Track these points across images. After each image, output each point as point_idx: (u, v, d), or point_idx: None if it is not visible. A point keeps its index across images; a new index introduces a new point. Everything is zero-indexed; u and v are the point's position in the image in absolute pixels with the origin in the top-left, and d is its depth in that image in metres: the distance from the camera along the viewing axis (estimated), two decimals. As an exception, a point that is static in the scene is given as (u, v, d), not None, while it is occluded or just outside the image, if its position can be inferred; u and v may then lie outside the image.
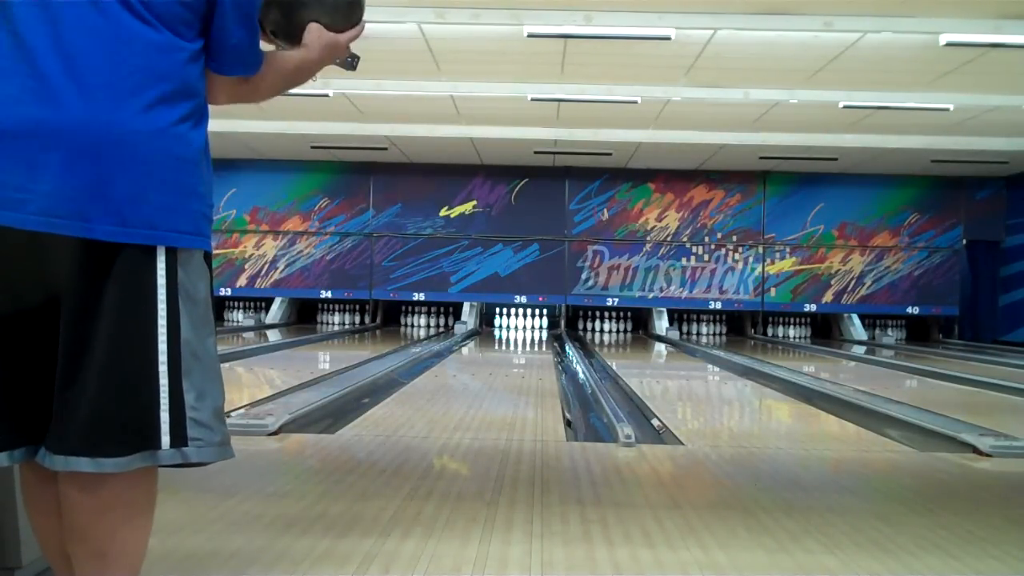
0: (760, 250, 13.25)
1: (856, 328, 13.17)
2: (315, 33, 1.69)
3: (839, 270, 13.25)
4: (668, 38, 6.79)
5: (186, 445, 1.46)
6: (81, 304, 1.42)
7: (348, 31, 1.74)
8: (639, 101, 8.84)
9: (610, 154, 11.90)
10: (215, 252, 13.70)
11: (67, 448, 1.41)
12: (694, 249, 13.25)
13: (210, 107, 1.61)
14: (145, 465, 1.44)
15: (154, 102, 1.44)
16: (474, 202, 13.22)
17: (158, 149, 1.44)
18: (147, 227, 1.43)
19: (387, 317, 13.70)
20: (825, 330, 13.83)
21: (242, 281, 13.24)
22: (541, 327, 13.70)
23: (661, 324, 13.09)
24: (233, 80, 1.61)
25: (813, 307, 13.30)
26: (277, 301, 13.30)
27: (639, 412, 5.25)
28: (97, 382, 1.40)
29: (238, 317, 13.59)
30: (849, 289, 13.24)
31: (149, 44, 1.44)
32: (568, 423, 4.70)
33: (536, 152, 11.87)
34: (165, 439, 1.44)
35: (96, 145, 1.39)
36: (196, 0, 1.50)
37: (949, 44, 6.72)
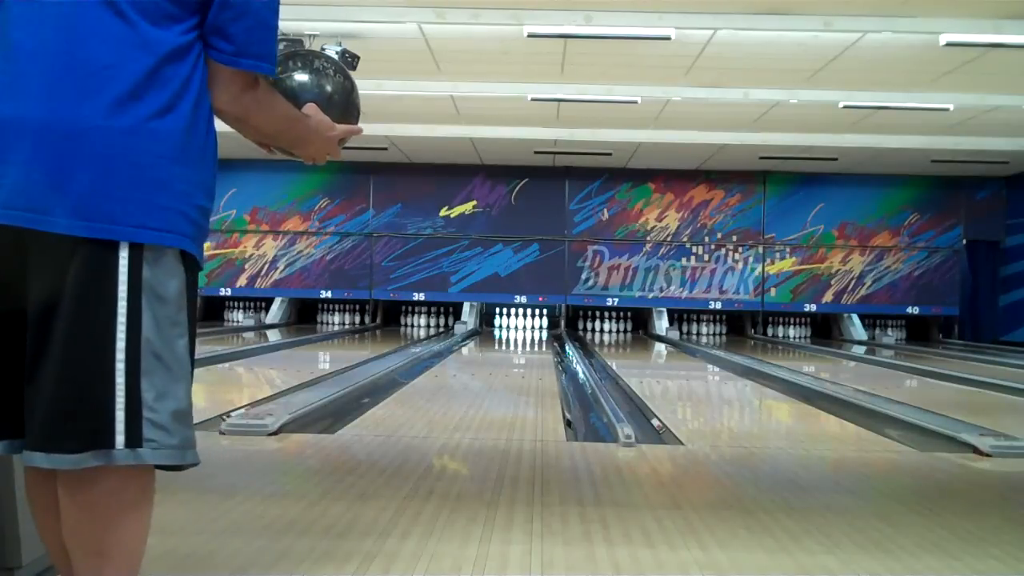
0: (760, 250, 13.25)
1: (856, 328, 13.18)
2: (313, 107, 1.78)
3: (839, 270, 13.25)
4: (668, 38, 6.79)
5: (140, 446, 1.43)
6: (44, 299, 1.42)
7: (343, 123, 1.84)
8: (639, 101, 8.84)
9: (610, 154, 11.90)
10: (215, 252, 13.66)
11: (29, 443, 1.42)
12: (694, 249, 13.26)
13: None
14: (99, 464, 1.42)
15: (123, 98, 1.42)
16: (474, 202, 13.22)
17: (124, 145, 1.42)
18: (108, 222, 1.41)
19: (387, 317, 13.70)
20: (825, 330, 13.83)
21: (242, 281, 13.24)
22: (541, 327, 13.70)
23: (661, 324, 13.10)
24: (237, 86, 1.57)
25: (813, 307, 13.30)
26: (277, 301, 13.30)
27: (639, 412, 5.25)
28: (54, 378, 1.40)
29: (238, 317, 13.59)
30: (849, 289, 13.25)
31: (121, 39, 1.43)
32: (568, 423, 4.70)
33: (536, 152, 11.87)
34: (120, 438, 1.42)
35: (59, 140, 1.39)
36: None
37: (949, 44, 6.72)
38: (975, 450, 3.99)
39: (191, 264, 1.53)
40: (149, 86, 1.45)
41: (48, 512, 1.56)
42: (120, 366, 1.42)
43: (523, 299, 13.32)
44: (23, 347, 1.45)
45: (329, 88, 1.83)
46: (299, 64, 1.81)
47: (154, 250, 1.46)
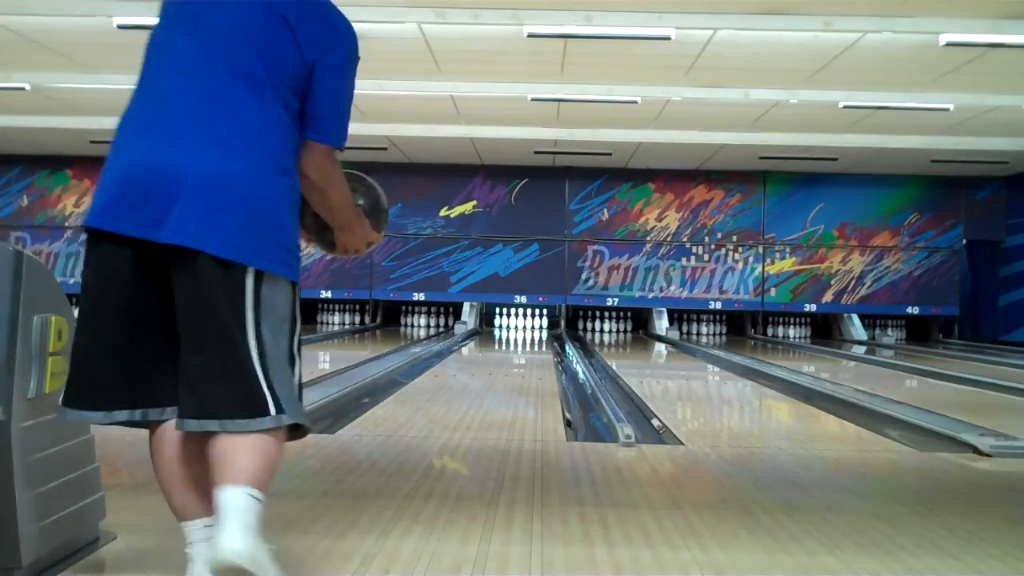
0: (760, 250, 13.25)
1: (856, 328, 13.18)
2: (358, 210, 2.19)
3: (839, 270, 13.26)
4: (668, 38, 6.79)
5: (284, 412, 1.82)
6: (195, 302, 1.81)
7: (373, 232, 2.30)
8: (639, 101, 8.84)
9: (610, 154, 11.90)
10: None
11: (201, 414, 1.80)
12: (694, 249, 13.26)
13: None
14: (260, 428, 1.80)
15: (271, 160, 1.84)
16: (474, 202, 13.22)
17: (267, 197, 1.84)
18: (244, 253, 1.80)
19: (387, 317, 13.70)
20: (825, 330, 13.83)
21: (242, 281, 13.22)
22: (541, 327, 13.70)
23: (661, 324, 13.10)
24: (323, 157, 1.94)
25: (813, 307, 13.31)
26: (277, 301, 13.28)
27: (639, 412, 5.25)
28: (218, 369, 1.80)
29: (238, 317, 13.55)
30: (849, 289, 13.25)
31: (266, 114, 1.84)
32: (568, 423, 4.70)
33: (536, 152, 11.87)
34: (272, 408, 1.81)
35: (221, 188, 1.79)
36: (298, 85, 1.88)
37: (949, 44, 6.73)
38: (975, 450, 4.00)
39: (294, 288, 1.93)
40: (286, 152, 1.88)
41: (187, 463, 1.91)
42: (255, 357, 1.82)
43: (523, 299, 13.32)
44: (160, 335, 1.87)
45: (368, 203, 2.29)
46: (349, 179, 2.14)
47: (272, 277, 1.86)
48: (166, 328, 1.86)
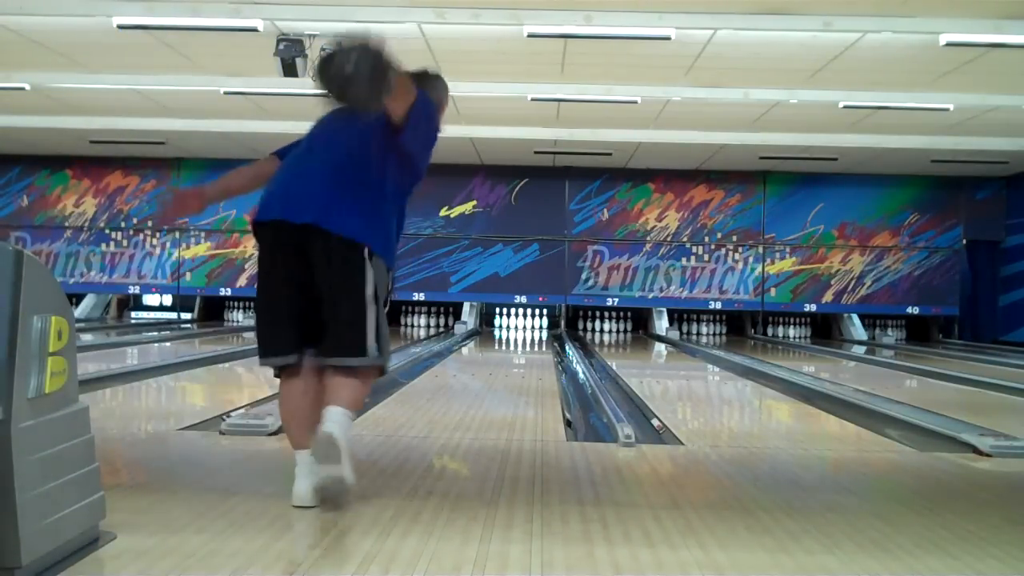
0: (760, 250, 13.26)
1: (856, 328, 13.18)
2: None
3: (839, 270, 13.26)
4: (668, 38, 6.79)
5: (379, 355, 2.80)
6: (330, 273, 2.71)
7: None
8: (639, 101, 8.84)
9: (610, 154, 11.90)
10: (215, 252, 13.68)
11: (333, 354, 2.76)
12: (694, 249, 13.26)
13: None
14: (366, 364, 2.76)
15: (382, 195, 2.77)
16: (474, 202, 13.23)
17: (383, 211, 2.78)
18: (363, 237, 2.71)
19: (387, 317, 13.66)
20: (825, 330, 13.84)
21: (242, 281, 13.24)
22: (541, 327, 13.70)
23: (661, 324, 13.10)
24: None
25: (813, 307, 13.31)
26: (277, 301, 13.26)
27: (639, 412, 5.25)
28: (348, 321, 2.72)
29: (238, 317, 13.58)
30: (849, 289, 13.25)
31: (389, 164, 2.78)
32: (568, 423, 4.70)
33: (536, 152, 11.87)
34: (373, 350, 2.76)
35: (347, 203, 2.71)
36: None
37: (949, 44, 6.73)
38: (975, 450, 4.00)
39: (390, 269, 2.85)
40: (394, 184, 2.81)
41: (303, 394, 2.79)
42: (371, 315, 2.75)
43: (523, 299, 13.32)
44: (305, 293, 2.75)
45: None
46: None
47: (379, 259, 2.76)
48: (308, 292, 2.71)
